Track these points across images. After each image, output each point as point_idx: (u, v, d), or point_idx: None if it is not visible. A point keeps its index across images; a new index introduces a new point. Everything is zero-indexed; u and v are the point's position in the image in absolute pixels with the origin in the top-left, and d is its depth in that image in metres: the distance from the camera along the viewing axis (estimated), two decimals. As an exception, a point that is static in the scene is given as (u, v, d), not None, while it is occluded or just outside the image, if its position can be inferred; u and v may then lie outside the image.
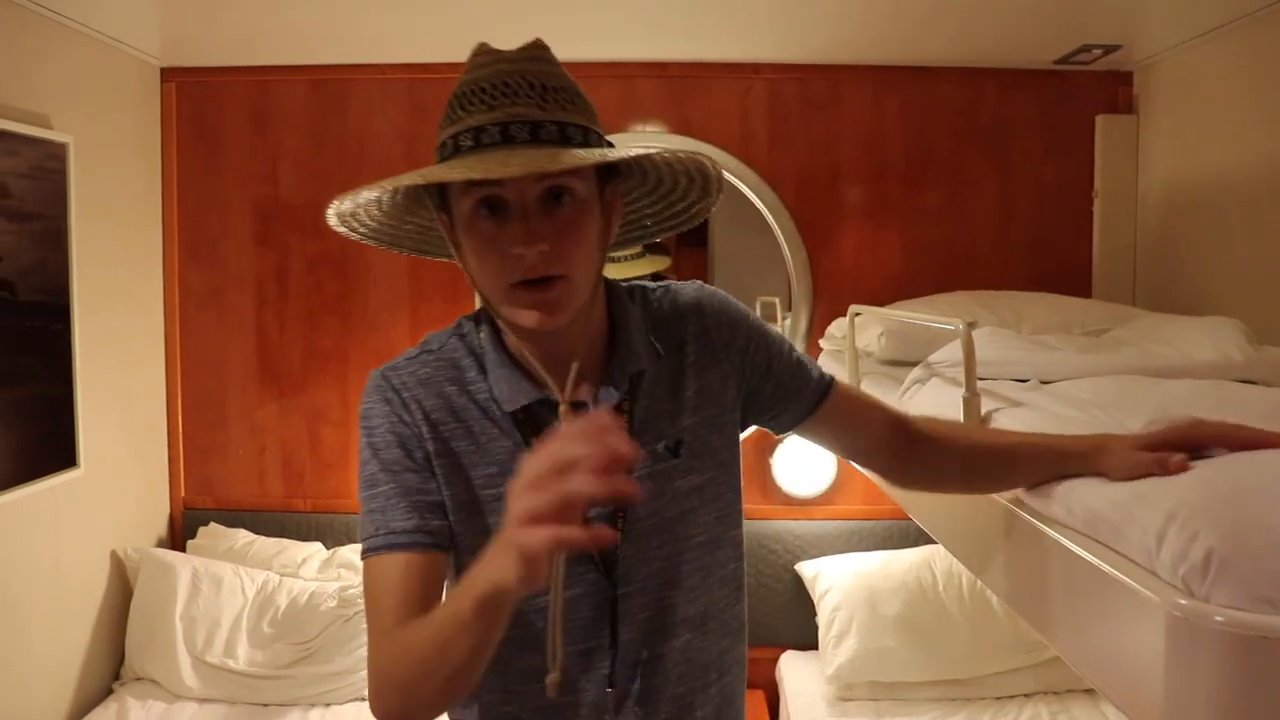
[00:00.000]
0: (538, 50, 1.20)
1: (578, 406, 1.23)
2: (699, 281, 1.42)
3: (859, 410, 1.45)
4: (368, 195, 1.20)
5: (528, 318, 1.16)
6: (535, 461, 0.89)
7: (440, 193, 1.21)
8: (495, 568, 0.94)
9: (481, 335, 1.28)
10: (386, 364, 1.29)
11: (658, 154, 1.20)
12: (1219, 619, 0.94)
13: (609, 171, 1.23)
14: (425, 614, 1.12)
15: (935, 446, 1.44)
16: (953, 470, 1.46)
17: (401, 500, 1.21)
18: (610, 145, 1.22)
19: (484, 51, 1.19)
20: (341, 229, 1.29)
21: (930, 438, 1.44)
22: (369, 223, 1.31)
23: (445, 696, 1.11)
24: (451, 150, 1.15)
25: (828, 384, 1.42)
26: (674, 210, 1.39)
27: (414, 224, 1.34)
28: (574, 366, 1.22)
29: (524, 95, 1.13)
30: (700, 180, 1.31)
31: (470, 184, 1.13)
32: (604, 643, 1.26)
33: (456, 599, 1.02)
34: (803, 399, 1.40)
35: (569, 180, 1.14)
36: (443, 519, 1.22)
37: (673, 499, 1.29)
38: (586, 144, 1.17)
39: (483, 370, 1.26)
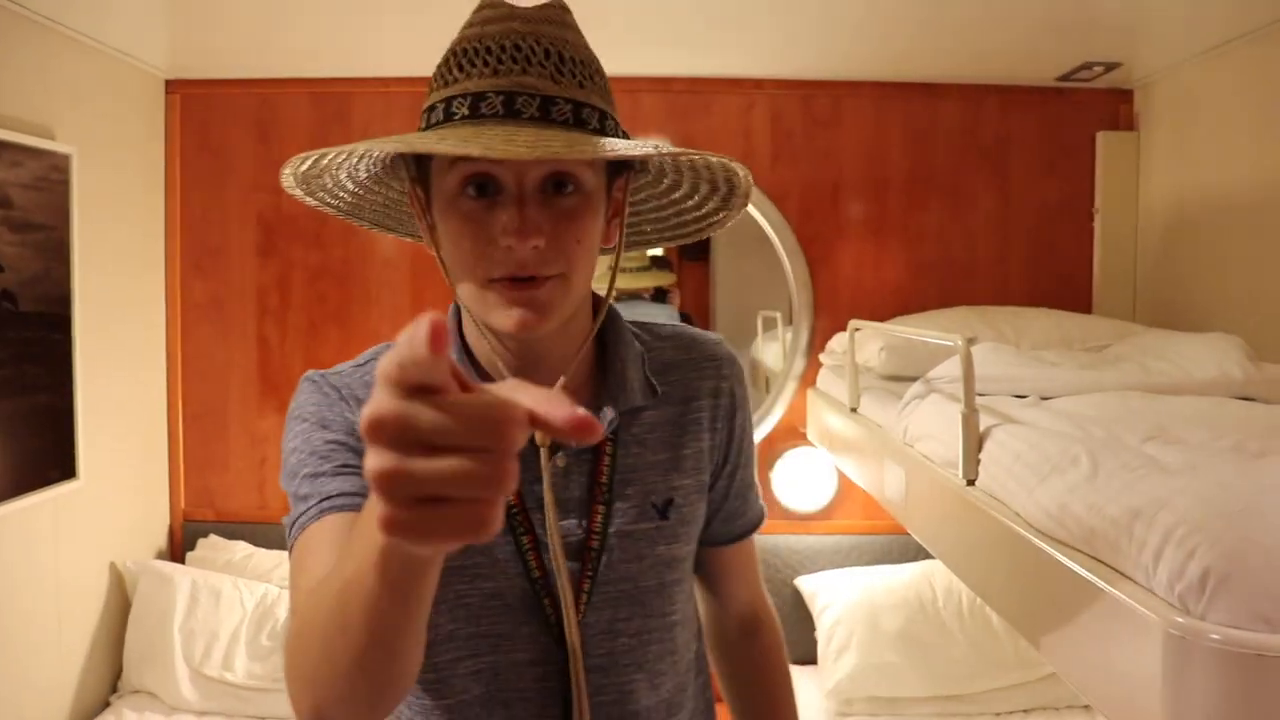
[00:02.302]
0: (557, 11, 1.01)
1: (555, 449, 1.06)
2: (720, 337, 1.24)
3: (748, 566, 1.33)
4: (335, 157, 1.01)
5: (505, 319, 0.97)
6: (407, 407, 0.51)
7: (418, 163, 1.04)
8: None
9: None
10: (322, 370, 1.11)
11: (694, 157, 1.02)
12: (1215, 637, 0.94)
13: (620, 165, 1.06)
14: None
15: (747, 663, 1.36)
16: (735, 688, 1.38)
17: (333, 473, 1.01)
18: (626, 135, 1.05)
19: (494, 4, 0.99)
20: (297, 192, 1.10)
21: (753, 653, 1.36)
22: (331, 189, 1.12)
23: (362, 692, 0.80)
24: (442, 116, 0.98)
25: (756, 523, 1.29)
26: (683, 219, 1.20)
27: (381, 195, 1.16)
28: (560, 381, 1.05)
29: (536, 63, 0.95)
30: (724, 191, 1.13)
31: (458, 159, 0.95)
32: None
33: (352, 560, 0.74)
34: (732, 525, 1.26)
35: (577, 169, 0.97)
36: None
37: (653, 567, 1.10)
38: (603, 130, 0.99)
39: None
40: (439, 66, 1.01)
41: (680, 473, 1.13)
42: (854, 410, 2.68)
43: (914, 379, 2.28)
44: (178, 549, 3.56)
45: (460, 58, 0.97)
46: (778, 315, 3.60)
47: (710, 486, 1.19)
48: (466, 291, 1.00)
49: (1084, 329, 2.78)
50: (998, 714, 3.09)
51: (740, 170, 1.06)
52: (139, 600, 3.18)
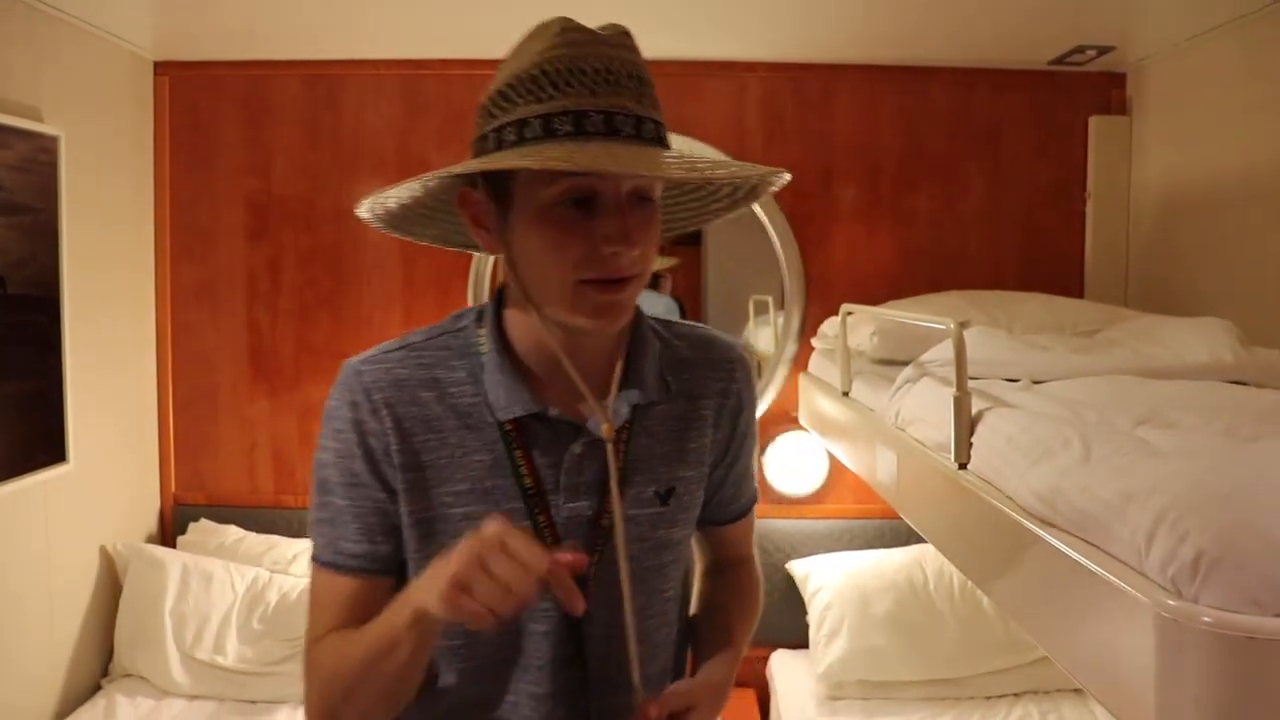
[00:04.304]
0: (628, 38, 1.10)
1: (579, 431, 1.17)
2: (736, 340, 1.35)
3: (743, 538, 1.46)
4: (429, 180, 1.09)
5: (590, 318, 1.07)
6: (497, 540, 0.93)
7: (493, 178, 1.09)
8: (424, 593, 0.99)
9: (482, 334, 1.18)
10: (361, 355, 1.19)
11: (758, 175, 1.14)
12: (1207, 620, 0.94)
13: None
14: None
15: (723, 583, 1.43)
16: (705, 598, 1.44)
17: (354, 521, 1.15)
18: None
19: (576, 28, 1.06)
20: (367, 215, 1.20)
21: (731, 577, 1.44)
22: (397, 207, 1.20)
23: (376, 711, 1.11)
24: (541, 131, 1.02)
25: (749, 506, 1.42)
26: (702, 210, 1.30)
27: (424, 205, 1.23)
28: (618, 367, 1.18)
29: (626, 86, 1.05)
30: (743, 195, 1.24)
31: (560, 173, 1.02)
32: (560, 689, 1.18)
33: (391, 615, 1.06)
34: (726, 509, 1.39)
35: (654, 183, 1.08)
36: (394, 543, 1.16)
37: (653, 549, 1.22)
38: (663, 141, 1.10)
39: (472, 373, 1.16)
40: (525, 82, 1.04)
41: (683, 464, 1.24)
42: (846, 394, 2.68)
43: (906, 363, 2.27)
44: (168, 533, 3.56)
45: (554, 77, 1.03)
46: (769, 300, 3.60)
47: (709, 475, 1.30)
48: (553, 293, 1.08)
49: (1076, 313, 2.77)
50: (989, 697, 3.11)
51: (775, 182, 1.18)
52: (130, 584, 3.18)
